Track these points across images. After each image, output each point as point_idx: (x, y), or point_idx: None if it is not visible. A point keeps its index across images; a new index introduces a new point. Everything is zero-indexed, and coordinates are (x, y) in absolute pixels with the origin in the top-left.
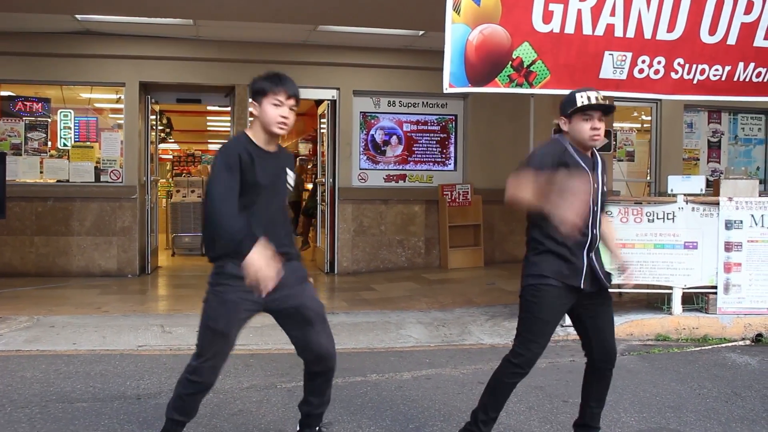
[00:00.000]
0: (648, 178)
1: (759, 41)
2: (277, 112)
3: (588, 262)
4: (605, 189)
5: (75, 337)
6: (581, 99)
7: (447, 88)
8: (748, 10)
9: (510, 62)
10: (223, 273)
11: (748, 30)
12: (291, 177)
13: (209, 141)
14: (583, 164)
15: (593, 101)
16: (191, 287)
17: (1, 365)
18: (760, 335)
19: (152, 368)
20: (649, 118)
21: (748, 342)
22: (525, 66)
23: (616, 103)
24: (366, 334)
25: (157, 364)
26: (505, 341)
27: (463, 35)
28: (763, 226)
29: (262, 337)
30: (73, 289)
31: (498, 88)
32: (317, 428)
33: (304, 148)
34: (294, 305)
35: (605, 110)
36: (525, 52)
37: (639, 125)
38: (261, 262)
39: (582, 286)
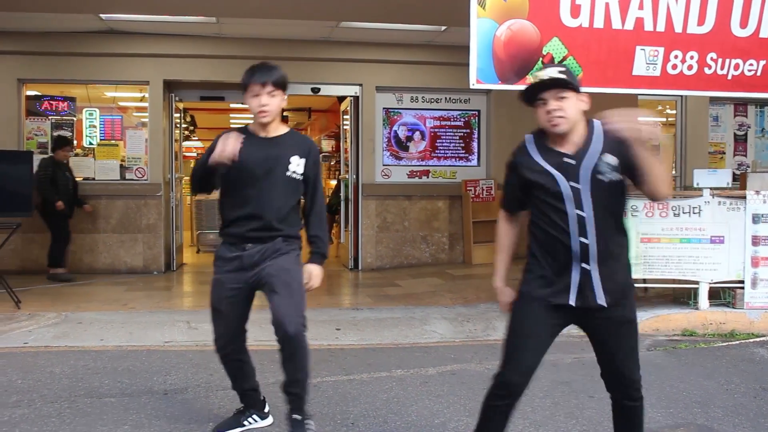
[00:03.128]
0: (673, 172)
1: None
2: (256, 102)
3: (580, 277)
4: (609, 178)
5: (102, 333)
6: (525, 87)
7: (474, 84)
8: None
9: (540, 59)
10: (216, 256)
11: None
12: (297, 164)
13: None
14: (543, 164)
15: (542, 77)
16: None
17: (30, 361)
18: None
19: (179, 364)
20: (673, 111)
21: None
22: (556, 63)
23: (641, 98)
24: (391, 329)
25: (183, 360)
26: None
27: (490, 30)
28: None
29: None
30: (100, 285)
31: None
32: (291, 414)
33: (327, 145)
34: (266, 274)
35: (555, 85)
36: (555, 47)
37: (664, 119)
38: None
39: (570, 303)
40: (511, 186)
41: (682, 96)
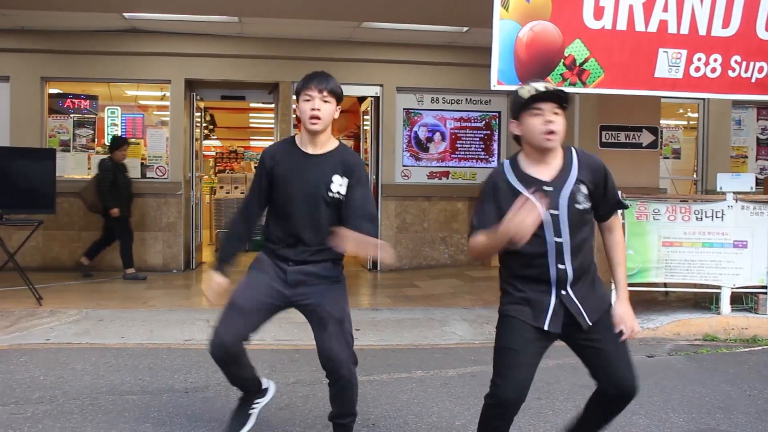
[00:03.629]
0: (694, 176)
1: None
2: (308, 105)
3: (559, 301)
4: (586, 205)
5: (123, 331)
6: (527, 92)
7: (495, 85)
8: None
9: (562, 60)
10: (258, 258)
11: None
12: (339, 184)
13: (251, 138)
14: (522, 190)
15: (541, 89)
16: (235, 283)
17: (52, 357)
18: None
19: (199, 362)
20: (695, 114)
21: None
22: (578, 64)
23: (663, 101)
24: (410, 330)
25: (204, 358)
26: None
27: (513, 32)
28: None
29: (306, 332)
30: (120, 283)
31: None
32: None
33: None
34: (316, 304)
35: (558, 99)
36: (577, 49)
37: (685, 122)
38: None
39: (546, 327)
40: (485, 212)
41: (704, 99)
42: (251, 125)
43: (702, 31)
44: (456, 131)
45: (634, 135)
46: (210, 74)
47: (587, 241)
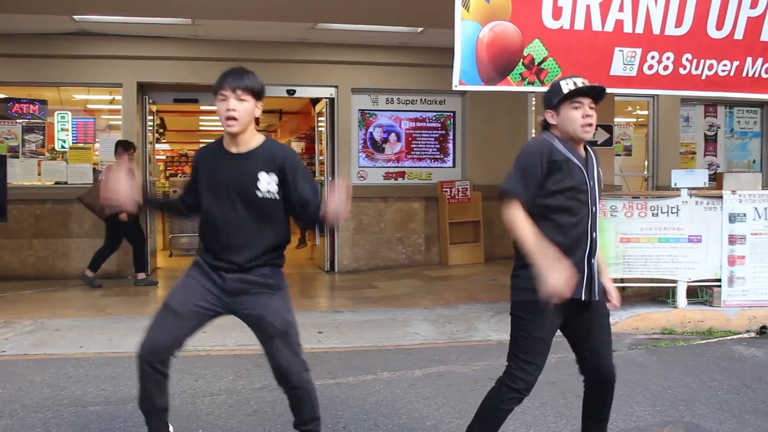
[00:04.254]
0: (645, 172)
1: (766, 36)
2: (223, 106)
3: (588, 270)
4: (601, 187)
5: (81, 340)
6: (567, 86)
7: (456, 85)
8: (754, 5)
9: (521, 60)
10: (196, 262)
11: (755, 25)
12: (267, 182)
13: (201, 141)
14: (575, 160)
15: (579, 84)
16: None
17: (9, 369)
18: (764, 327)
19: None
20: (645, 112)
21: (752, 334)
22: (536, 63)
23: (616, 98)
24: (373, 331)
25: None
26: None
27: (474, 32)
28: (766, 218)
29: None
30: (75, 291)
31: (510, 86)
32: None
33: (297, 147)
34: (257, 316)
35: (596, 95)
36: (536, 49)
37: (635, 120)
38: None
39: (582, 298)
40: (528, 182)
41: (654, 96)
42: (201, 128)
43: (656, 31)
44: (411, 131)
45: None
46: (163, 77)
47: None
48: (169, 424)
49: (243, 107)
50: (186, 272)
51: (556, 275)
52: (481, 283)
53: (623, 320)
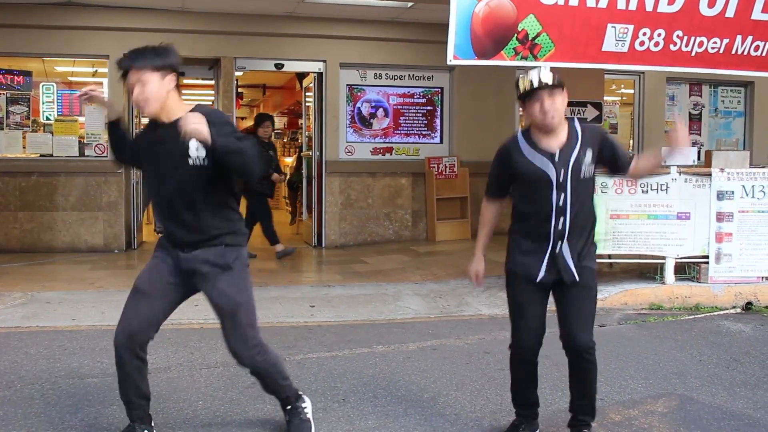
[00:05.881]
0: (631, 150)
1: (757, 14)
2: (134, 91)
3: (551, 253)
4: (589, 171)
5: (73, 313)
6: (522, 85)
7: (451, 60)
8: None
9: (515, 35)
10: (159, 242)
11: (747, 3)
12: (194, 149)
13: None
14: (534, 159)
15: (535, 84)
16: None
17: (2, 342)
18: (749, 303)
19: (157, 343)
20: (631, 90)
21: (738, 310)
22: (530, 39)
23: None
24: (365, 306)
25: (161, 339)
26: (503, 312)
27: (469, 7)
28: (753, 196)
29: (261, 310)
30: (62, 264)
31: (504, 60)
32: (285, 407)
33: (279, 122)
34: (211, 296)
35: (551, 88)
36: (530, 24)
37: (620, 98)
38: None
39: (537, 279)
40: (499, 179)
41: (640, 75)
42: (185, 101)
43: (649, 8)
44: (399, 107)
45: (579, 110)
46: None
47: (588, 202)
48: (151, 416)
49: (149, 88)
50: (153, 253)
51: (471, 264)
52: (468, 258)
53: (612, 296)
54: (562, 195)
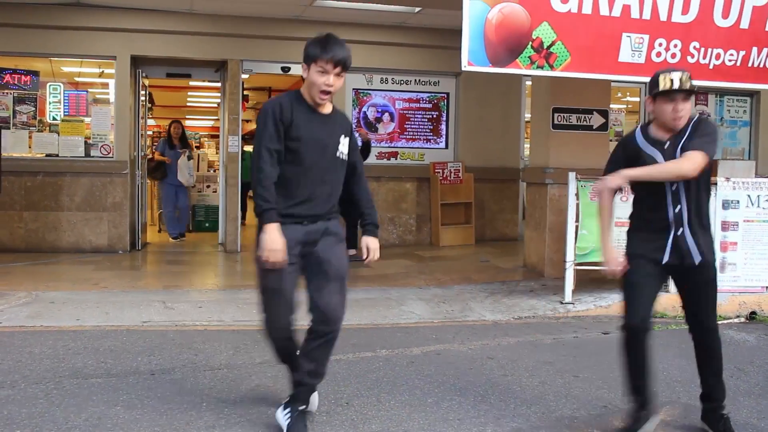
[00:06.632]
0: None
1: None
2: (323, 80)
3: (674, 239)
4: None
5: (78, 313)
6: (663, 82)
7: (465, 66)
8: None
9: (530, 43)
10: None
11: (760, 14)
12: (344, 144)
13: (188, 117)
14: (648, 152)
15: (676, 84)
16: (184, 264)
17: (6, 341)
18: (753, 313)
19: (161, 344)
20: (637, 99)
21: (742, 319)
22: (545, 47)
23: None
24: (369, 310)
25: (165, 340)
26: (506, 318)
27: (482, 13)
28: (758, 206)
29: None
30: (66, 264)
31: (519, 69)
32: (303, 407)
33: None
34: (324, 258)
35: (689, 93)
36: (544, 32)
37: (625, 106)
38: (272, 244)
39: (663, 261)
40: (616, 165)
41: (645, 82)
42: (189, 104)
43: (663, 17)
44: (405, 112)
45: (585, 117)
46: (156, 51)
47: (701, 189)
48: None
49: (338, 84)
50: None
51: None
52: (473, 264)
53: (616, 303)
54: (672, 182)
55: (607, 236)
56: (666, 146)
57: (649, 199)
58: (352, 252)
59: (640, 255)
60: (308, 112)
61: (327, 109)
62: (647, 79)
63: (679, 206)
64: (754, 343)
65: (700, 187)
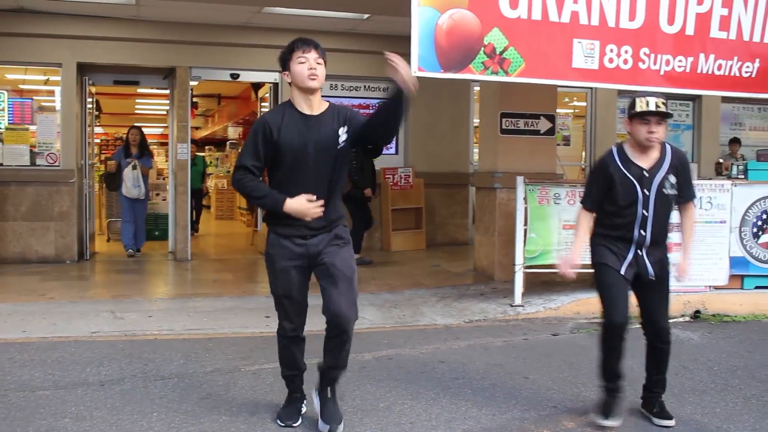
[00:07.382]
0: (583, 162)
1: (714, 32)
2: (305, 66)
3: (634, 256)
4: (672, 191)
5: (24, 325)
6: (640, 104)
7: (415, 72)
8: (700, 1)
9: (482, 48)
10: (271, 244)
11: (703, 21)
12: (343, 134)
13: (136, 125)
14: (627, 173)
15: (651, 107)
16: (133, 272)
17: None
18: (698, 312)
19: (110, 354)
20: (583, 103)
21: (687, 318)
22: (498, 53)
23: (559, 89)
24: (320, 316)
25: (114, 350)
26: (458, 321)
27: (432, 19)
28: (701, 207)
29: (216, 321)
30: (12, 275)
31: (473, 75)
32: (326, 392)
33: (233, 132)
34: (329, 262)
35: (664, 116)
36: (496, 38)
37: (572, 110)
38: (300, 207)
39: (622, 272)
40: (593, 191)
41: (591, 88)
42: (137, 111)
43: (611, 23)
44: None
45: (532, 122)
46: (103, 58)
47: (666, 217)
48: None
49: (321, 69)
50: (270, 261)
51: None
52: (424, 269)
53: (565, 305)
54: (645, 207)
55: (578, 244)
56: (645, 175)
57: (619, 217)
58: (357, 256)
59: (604, 263)
60: (298, 118)
61: (319, 108)
62: (601, 86)
63: (644, 232)
64: (698, 341)
65: (668, 214)
